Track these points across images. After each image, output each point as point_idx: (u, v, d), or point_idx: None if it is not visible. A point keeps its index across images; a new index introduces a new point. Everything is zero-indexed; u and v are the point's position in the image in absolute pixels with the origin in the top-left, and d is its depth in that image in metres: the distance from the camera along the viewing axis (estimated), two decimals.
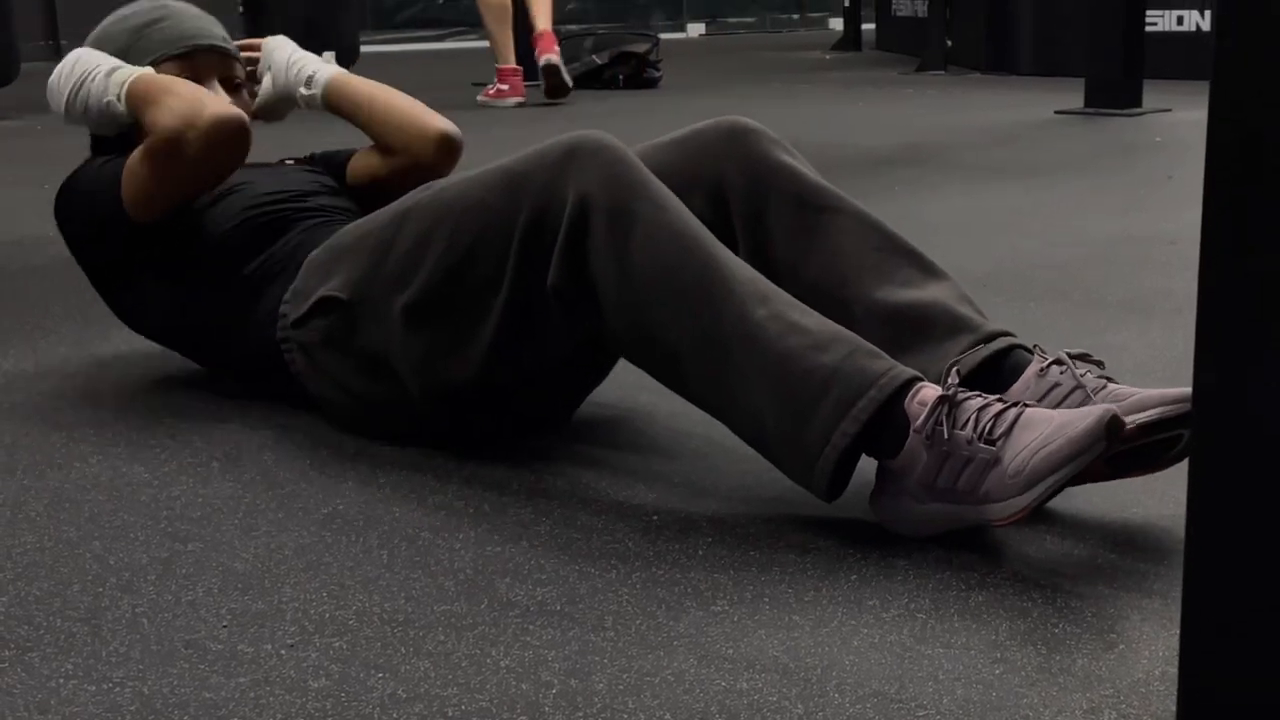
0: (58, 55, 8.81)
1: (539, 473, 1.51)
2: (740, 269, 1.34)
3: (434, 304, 1.46)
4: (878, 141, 4.59)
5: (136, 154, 1.66)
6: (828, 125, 5.08)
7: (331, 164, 1.94)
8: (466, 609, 1.17)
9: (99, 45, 1.79)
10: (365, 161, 1.91)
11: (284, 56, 1.89)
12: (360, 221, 1.59)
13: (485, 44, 6.74)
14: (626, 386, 1.77)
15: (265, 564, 1.27)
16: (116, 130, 1.74)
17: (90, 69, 1.72)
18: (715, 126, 1.55)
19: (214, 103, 1.62)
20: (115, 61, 1.72)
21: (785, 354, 1.28)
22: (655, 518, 1.38)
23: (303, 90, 1.87)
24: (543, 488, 1.47)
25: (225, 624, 1.15)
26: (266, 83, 1.88)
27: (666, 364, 1.36)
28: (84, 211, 1.72)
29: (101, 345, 2.07)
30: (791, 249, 1.50)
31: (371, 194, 1.88)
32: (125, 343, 2.08)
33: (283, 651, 1.10)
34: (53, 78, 1.74)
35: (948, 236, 2.83)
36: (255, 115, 1.90)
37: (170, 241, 1.71)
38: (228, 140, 1.62)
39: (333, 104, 1.88)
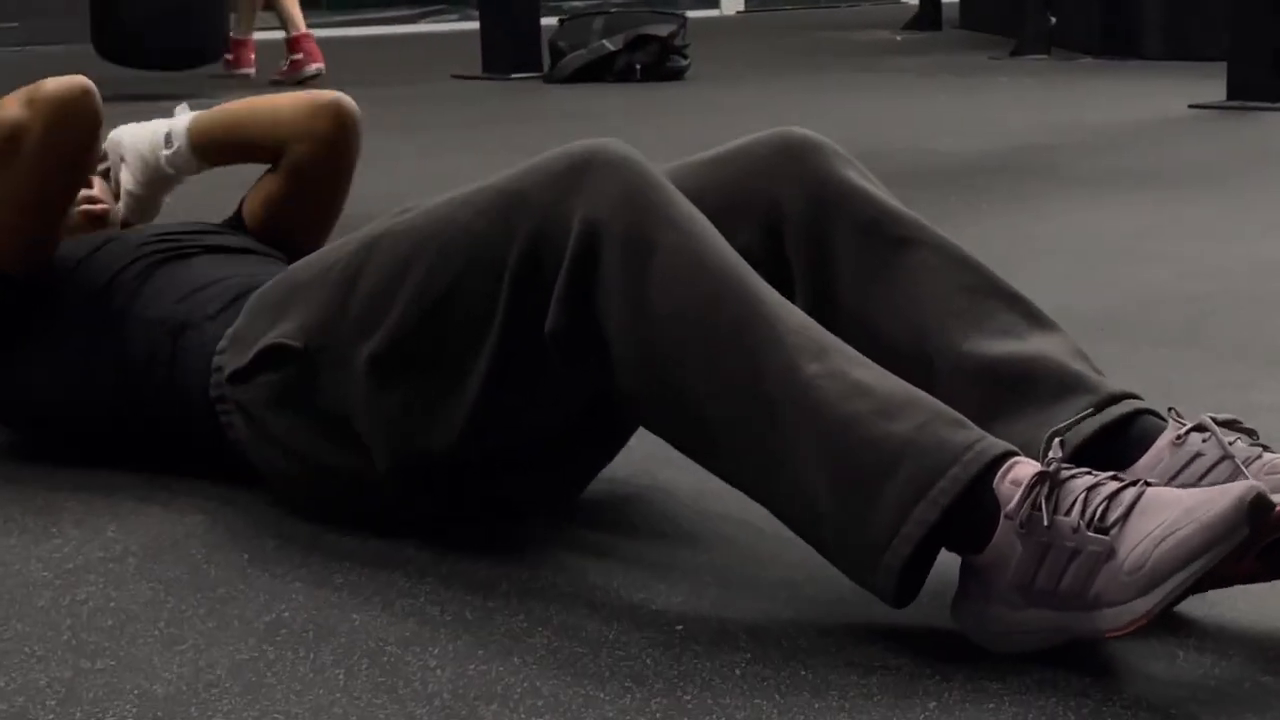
0: None
1: (535, 568, 1.51)
2: (789, 314, 1.35)
3: (407, 354, 1.48)
4: (962, 146, 4.61)
5: None
6: (898, 126, 5.11)
7: (229, 223, 1.98)
8: None
9: None
10: (259, 189, 1.96)
11: (130, 137, 1.95)
12: (320, 252, 1.61)
13: (472, 25, 6.83)
14: (643, 458, 1.77)
15: (192, 687, 1.27)
16: None
17: None
18: (767, 140, 1.57)
19: (47, 82, 1.71)
20: None
21: (845, 421, 1.29)
22: (680, 627, 1.38)
23: (164, 153, 1.92)
24: (539, 588, 1.47)
25: None
26: (125, 176, 1.94)
27: (693, 431, 1.37)
28: None
29: None
30: (863, 289, 1.51)
31: (280, 224, 1.93)
32: None
33: None
34: None
35: (1051, 266, 2.84)
36: (128, 220, 1.97)
37: (48, 296, 1.76)
38: (69, 101, 1.70)
39: (203, 145, 1.92)
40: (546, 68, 7.22)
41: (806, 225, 1.53)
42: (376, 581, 1.49)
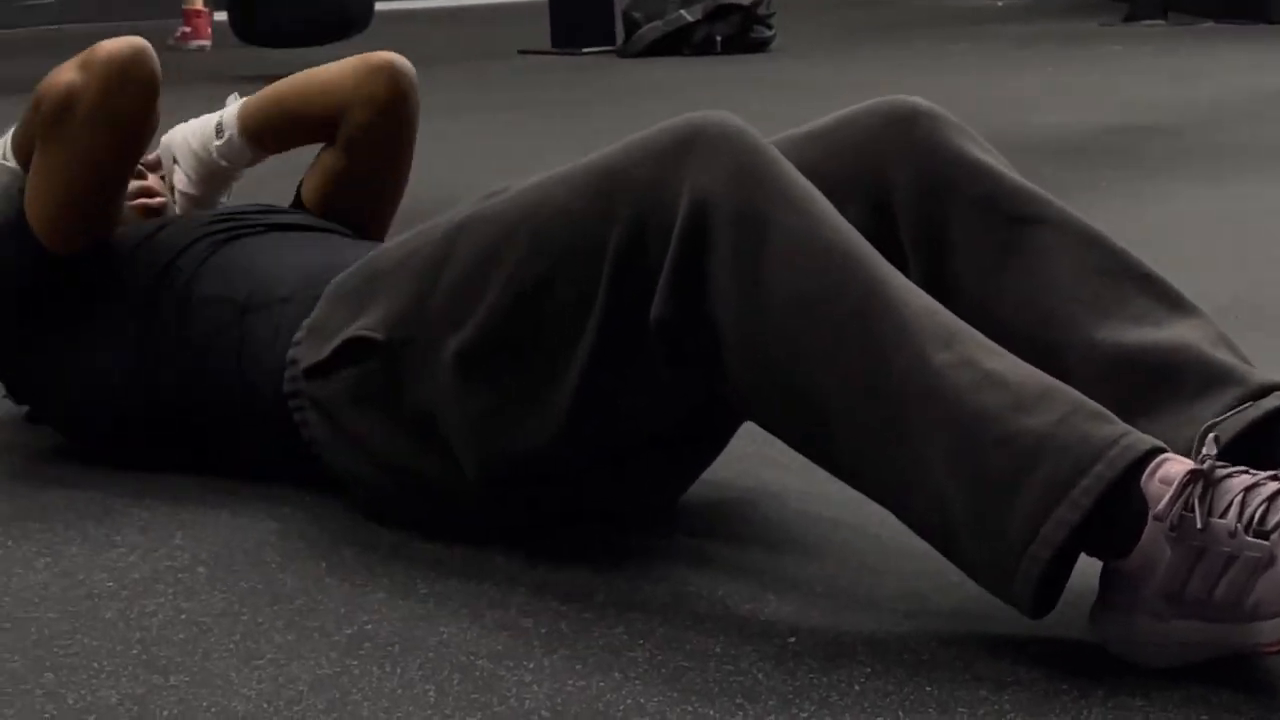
0: None
1: (633, 578, 1.52)
2: (915, 298, 1.35)
3: (498, 348, 1.49)
4: (1072, 121, 4.58)
5: (33, 165, 1.77)
6: (999, 100, 5.08)
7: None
8: None
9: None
10: (317, 167, 1.98)
11: (181, 135, 1.97)
12: (403, 238, 1.62)
13: None
14: (747, 459, 1.77)
15: (273, 704, 1.29)
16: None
17: None
18: (875, 110, 1.57)
19: (104, 44, 1.73)
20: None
21: (977, 415, 1.28)
22: (793, 640, 1.38)
23: (216, 144, 1.93)
24: (638, 599, 1.47)
25: None
26: (179, 178, 1.97)
27: (809, 426, 1.37)
28: None
29: None
30: (982, 273, 1.50)
31: (342, 202, 1.95)
32: None
33: None
34: None
35: (1177, 249, 2.81)
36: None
37: (103, 280, 1.78)
38: (124, 61, 1.72)
39: (254, 129, 1.93)
40: (620, 41, 7.23)
41: (919, 202, 1.53)
42: (464, 591, 1.50)
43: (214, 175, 1.96)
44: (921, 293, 1.36)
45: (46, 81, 1.75)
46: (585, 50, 7.32)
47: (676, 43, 7.03)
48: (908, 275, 1.51)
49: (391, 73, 1.90)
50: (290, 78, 1.96)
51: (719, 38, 7.03)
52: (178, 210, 1.98)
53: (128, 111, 1.74)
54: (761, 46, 7.09)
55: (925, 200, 1.53)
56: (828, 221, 1.38)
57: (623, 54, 7.12)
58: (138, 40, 1.74)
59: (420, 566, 1.55)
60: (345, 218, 1.94)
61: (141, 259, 1.79)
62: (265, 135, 1.94)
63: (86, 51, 1.75)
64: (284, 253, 1.77)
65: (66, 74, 1.74)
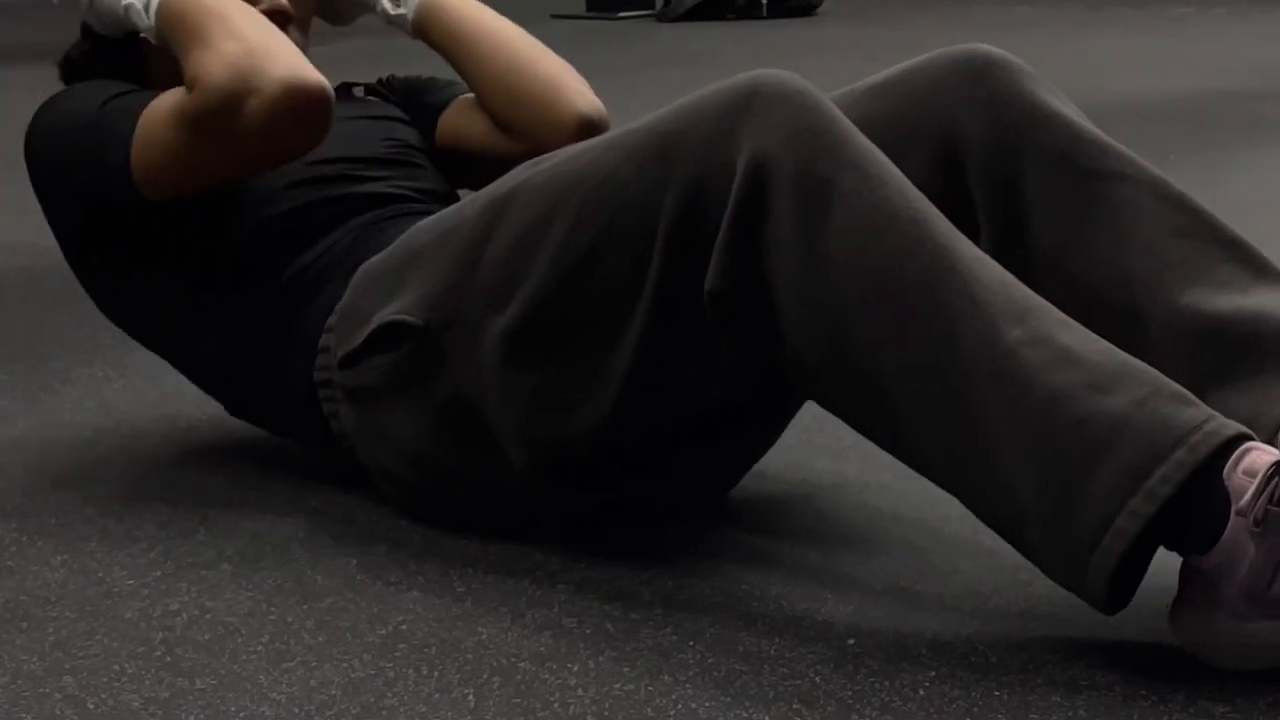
0: None
1: (681, 575, 1.51)
2: (985, 269, 1.33)
3: (546, 327, 1.47)
4: (1142, 85, 4.55)
5: (164, 109, 1.67)
6: (1066, 63, 5.05)
7: (415, 105, 1.95)
8: None
9: None
10: (465, 122, 1.93)
11: None
12: (442, 213, 1.60)
13: None
14: (801, 448, 1.77)
15: (304, 708, 1.29)
16: (124, 34, 1.78)
17: None
18: (943, 59, 1.54)
19: (285, 55, 1.61)
20: None
21: (1051, 396, 1.27)
22: (851, 641, 1.37)
23: (389, 6, 1.90)
24: (687, 598, 1.47)
25: None
26: None
27: (871, 405, 1.35)
28: (73, 165, 1.72)
29: (53, 395, 2.12)
30: (1058, 231, 1.48)
31: (466, 167, 1.91)
32: (86, 390, 2.13)
33: None
34: None
35: (1256, 225, 2.78)
36: (313, 12, 1.91)
37: (179, 229, 1.73)
38: (301, 116, 1.61)
39: (428, 35, 1.90)
40: (659, 5, 7.22)
41: (991, 157, 1.51)
42: (502, 590, 1.49)
43: (364, 9, 1.92)
44: (993, 263, 1.34)
45: (213, 59, 1.61)
46: (622, 15, 7.31)
47: (719, 6, 7.01)
48: (977, 234, 1.50)
49: (589, 132, 1.81)
50: (508, 32, 1.89)
51: (764, 1, 7.01)
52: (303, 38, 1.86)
53: (291, 149, 1.65)
54: (809, 10, 7.07)
55: (998, 154, 1.51)
56: (893, 185, 1.36)
57: (662, 18, 7.12)
58: (325, 88, 1.61)
59: (455, 564, 1.55)
60: (456, 170, 1.89)
61: (220, 215, 1.72)
62: (440, 47, 1.89)
63: (253, 52, 1.60)
64: (349, 229, 1.72)
65: (219, 72, 1.60)
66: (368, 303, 1.60)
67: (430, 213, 1.72)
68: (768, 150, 1.36)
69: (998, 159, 1.50)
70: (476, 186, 1.69)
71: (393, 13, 1.91)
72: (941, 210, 1.38)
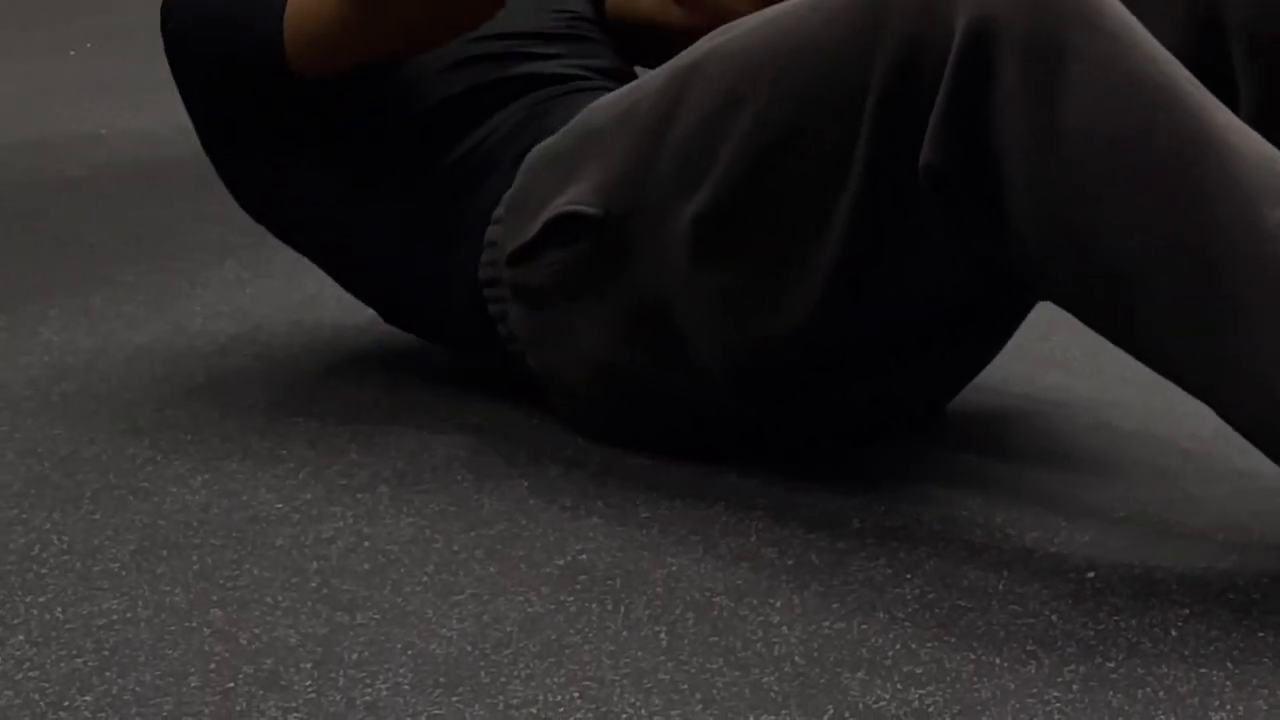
0: None
1: (893, 503, 1.51)
2: (1248, 143, 1.31)
3: (742, 213, 1.47)
4: None
5: None
6: None
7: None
8: None
9: None
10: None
11: None
12: (621, 90, 1.60)
13: None
14: (1025, 358, 1.76)
15: (478, 647, 1.31)
16: None
17: None
18: None
19: None
20: None
21: None
22: (1090, 574, 1.37)
23: None
24: (902, 525, 1.47)
25: None
26: None
27: (1111, 296, 1.34)
28: (218, 37, 1.74)
29: (188, 301, 2.16)
30: None
31: (639, 42, 1.91)
32: (218, 293, 2.17)
33: None
34: None
35: None
36: None
37: (332, 110, 1.74)
38: None
39: None
40: None
41: (1257, 15, 1.48)
42: (693, 517, 1.50)
43: None
44: (1256, 136, 1.32)
45: None
46: None
47: None
48: (1236, 104, 1.48)
49: None
50: None
51: None
52: None
53: (454, 20, 1.61)
54: None
55: (1266, 12, 1.48)
56: (1141, 48, 1.34)
57: None
58: None
59: (639, 487, 1.57)
60: (634, 46, 1.90)
61: (375, 95, 1.73)
62: None
63: None
64: (514, 111, 1.72)
65: None
66: (540, 191, 1.61)
67: (608, 90, 1.72)
68: (992, 7, 1.34)
69: (1265, 19, 1.48)
70: (653, 66, 1.68)
71: None
72: (1195, 76, 1.36)
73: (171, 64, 1.80)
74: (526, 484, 1.59)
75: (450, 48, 1.73)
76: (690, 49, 1.53)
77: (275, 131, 1.78)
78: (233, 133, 1.81)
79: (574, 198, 1.56)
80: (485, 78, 1.74)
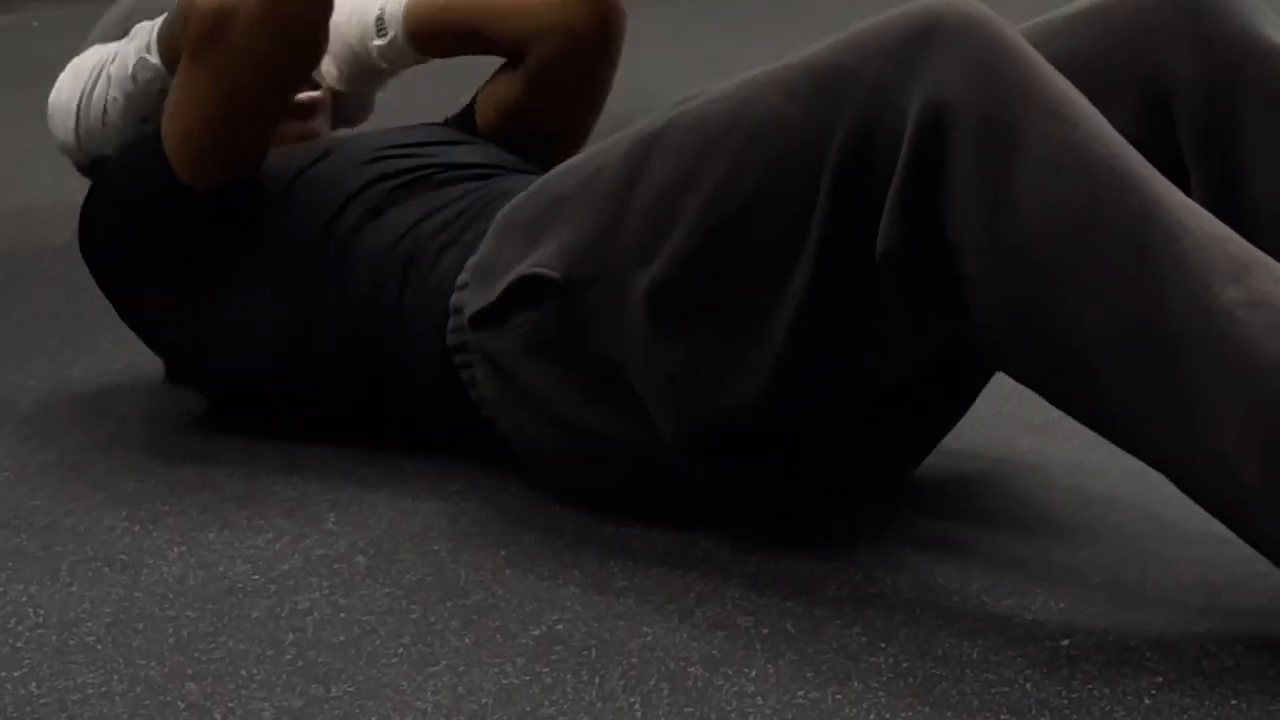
0: None
1: (868, 567, 1.51)
2: (1197, 221, 1.32)
3: (698, 282, 1.48)
4: None
5: (178, 72, 1.79)
6: None
7: (456, 124, 2.01)
8: None
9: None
10: (495, 90, 1.99)
11: (336, 26, 1.97)
12: (583, 156, 1.62)
13: None
14: (998, 422, 1.76)
15: (452, 719, 1.30)
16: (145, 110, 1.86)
17: (104, 58, 1.89)
18: None
19: None
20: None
21: (1273, 365, 1.26)
22: (1065, 642, 1.36)
23: (378, 43, 1.94)
24: (876, 593, 1.47)
25: None
26: (328, 68, 1.98)
27: (1069, 375, 1.35)
28: (122, 195, 1.84)
29: (158, 366, 2.15)
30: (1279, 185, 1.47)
31: (520, 136, 1.96)
32: None
33: None
34: (52, 97, 1.93)
35: None
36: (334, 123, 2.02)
37: (250, 218, 1.80)
38: (290, 19, 1.72)
39: (426, 35, 1.94)
40: None
41: (1206, 98, 1.50)
42: (669, 585, 1.50)
43: (369, 75, 1.99)
44: (1206, 214, 1.33)
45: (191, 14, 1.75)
46: None
47: None
48: (1187, 187, 1.49)
49: (600, 5, 1.89)
50: None
51: None
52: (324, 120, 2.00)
53: (302, 20, 1.74)
54: None
55: (1214, 96, 1.49)
56: (1090, 129, 1.35)
57: None
58: None
59: (614, 555, 1.56)
60: (524, 152, 1.94)
61: (301, 199, 1.80)
62: (436, 44, 1.96)
63: None
64: (456, 190, 1.78)
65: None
66: (504, 256, 1.62)
67: (530, 176, 1.78)
68: (948, 91, 1.35)
69: (1214, 102, 1.49)
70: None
71: (383, 43, 1.95)
72: (1147, 158, 1.37)
73: (104, 263, 1.91)
74: (503, 553, 1.58)
75: (358, 150, 1.83)
76: (648, 120, 1.55)
77: (222, 258, 1.83)
78: (174, 298, 1.86)
79: (537, 261, 1.58)
80: (409, 169, 1.82)
